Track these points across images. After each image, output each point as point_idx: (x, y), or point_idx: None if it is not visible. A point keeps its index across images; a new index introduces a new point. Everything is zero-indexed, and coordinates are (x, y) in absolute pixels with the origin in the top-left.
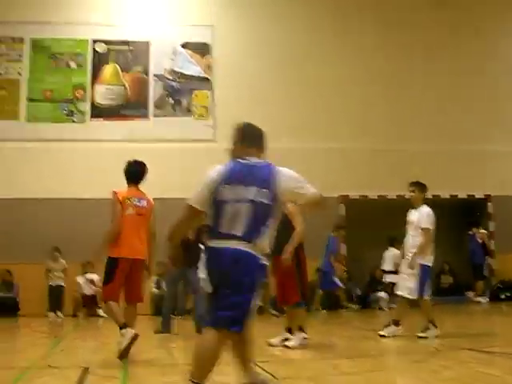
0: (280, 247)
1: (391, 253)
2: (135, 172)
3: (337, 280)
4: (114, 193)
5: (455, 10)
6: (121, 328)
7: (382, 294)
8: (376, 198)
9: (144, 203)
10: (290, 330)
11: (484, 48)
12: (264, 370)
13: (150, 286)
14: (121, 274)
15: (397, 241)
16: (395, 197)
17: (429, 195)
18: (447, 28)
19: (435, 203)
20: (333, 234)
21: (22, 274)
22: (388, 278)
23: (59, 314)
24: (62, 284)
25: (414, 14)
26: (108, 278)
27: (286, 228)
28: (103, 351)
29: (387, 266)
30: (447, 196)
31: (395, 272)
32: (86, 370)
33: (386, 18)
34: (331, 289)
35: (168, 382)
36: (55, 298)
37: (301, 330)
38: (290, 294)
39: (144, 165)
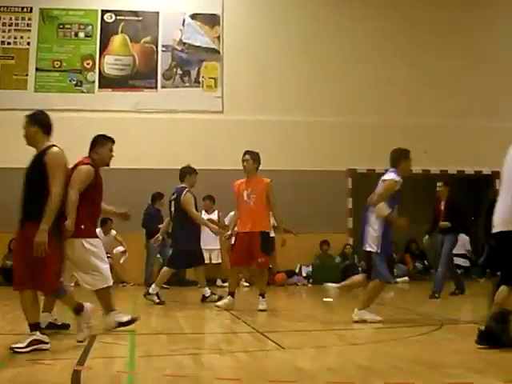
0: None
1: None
2: None
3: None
4: None
5: None
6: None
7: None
8: (383, 171)
9: None
10: None
11: (493, 23)
12: (270, 339)
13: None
14: None
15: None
16: None
17: (436, 170)
18: (462, 6)
19: (441, 178)
20: None
21: None
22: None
23: None
24: None
25: None
26: None
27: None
28: None
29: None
30: (454, 172)
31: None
32: (93, 337)
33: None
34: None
35: (175, 350)
36: None
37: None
38: None
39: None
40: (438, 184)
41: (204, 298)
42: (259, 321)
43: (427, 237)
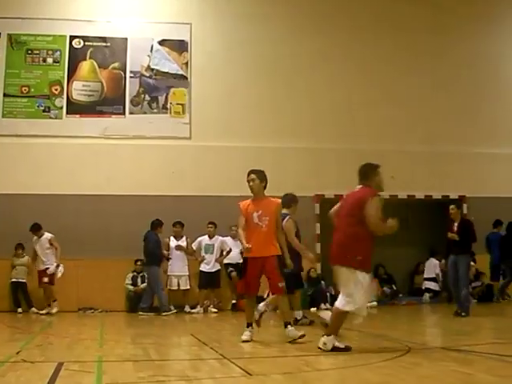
0: None
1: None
2: None
3: None
4: None
5: (437, 11)
6: None
7: None
8: None
9: None
10: None
11: (464, 53)
12: (237, 365)
13: (125, 284)
14: None
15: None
16: None
17: (404, 195)
18: (430, 30)
19: (409, 203)
20: None
21: None
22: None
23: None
24: (23, 280)
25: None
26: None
27: None
28: (78, 346)
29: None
30: (422, 196)
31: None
32: (60, 365)
33: (371, 17)
34: None
35: (142, 377)
36: (17, 294)
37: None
38: None
39: None
40: (451, 207)
41: (296, 321)
42: (226, 347)
43: (443, 261)
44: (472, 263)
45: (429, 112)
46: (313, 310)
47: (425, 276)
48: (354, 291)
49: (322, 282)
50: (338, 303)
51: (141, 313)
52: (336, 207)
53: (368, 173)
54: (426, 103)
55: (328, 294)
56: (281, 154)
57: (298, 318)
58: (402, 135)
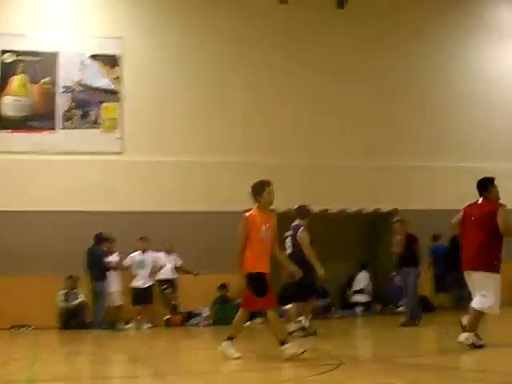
0: None
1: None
2: None
3: None
4: None
5: (374, 21)
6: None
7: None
8: (281, 212)
9: None
10: None
11: (399, 67)
12: (169, 382)
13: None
14: None
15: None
16: None
17: (337, 208)
18: (366, 42)
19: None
20: None
21: None
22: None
23: None
24: None
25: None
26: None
27: None
28: (10, 366)
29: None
30: (354, 210)
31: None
32: None
33: (303, 26)
34: None
35: None
36: None
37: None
38: None
39: None
40: (395, 220)
41: (303, 329)
42: (158, 364)
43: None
44: None
45: (362, 125)
46: (246, 324)
47: (354, 289)
48: (490, 292)
49: None
50: (475, 304)
51: (95, 330)
52: (459, 217)
53: (487, 185)
54: (359, 116)
55: None
56: (212, 168)
57: (291, 329)
58: (333, 148)
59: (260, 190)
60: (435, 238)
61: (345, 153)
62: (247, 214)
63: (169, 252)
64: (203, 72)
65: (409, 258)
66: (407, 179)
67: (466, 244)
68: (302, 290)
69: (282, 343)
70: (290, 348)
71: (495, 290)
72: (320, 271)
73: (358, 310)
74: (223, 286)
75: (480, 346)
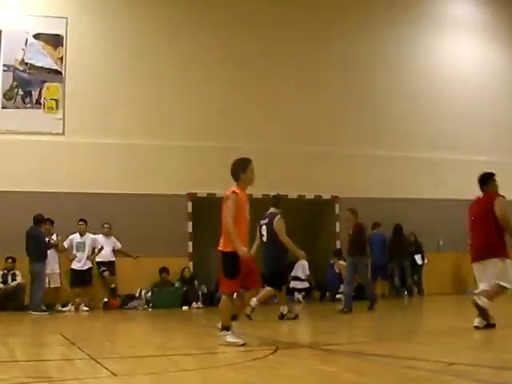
0: None
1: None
2: None
3: None
4: None
5: (309, 14)
6: None
7: None
8: (224, 196)
9: None
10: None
11: (333, 56)
12: (103, 366)
13: None
14: None
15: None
16: None
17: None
18: (302, 31)
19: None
20: None
21: None
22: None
23: None
24: None
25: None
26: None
27: None
28: None
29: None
30: (295, 196)
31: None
32: None
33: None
34: None
35: (5, 379)
36: None
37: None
38: None
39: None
40: (347, 211)
41: (282, 316)
42: (94, 347)
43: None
44: (342, 262)
45: (301, 113)
46: (185, 308)
47: (292, 275)
48: (507, 273)
49: (195, 282)
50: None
51: (33, 312)
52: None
53: (486, 180)
54: (299, 104)
55: (200, 292)
56: (156, 152)
57: (284, 312)
58: (276, 135)
59: (243, 167)
60: (374, 226)
61: (285, 139)
62: (231, 191)
63: (108, 235)
64: (151, 54)
65: (357, 247)
66: (347, 167)
67: (474, 238)
68: (278, 277)
69: (224, 329)
70: (229, 336)
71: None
72: (301, 254)
73: (298, 296)
74: (163, 269)
75: (492, 325)
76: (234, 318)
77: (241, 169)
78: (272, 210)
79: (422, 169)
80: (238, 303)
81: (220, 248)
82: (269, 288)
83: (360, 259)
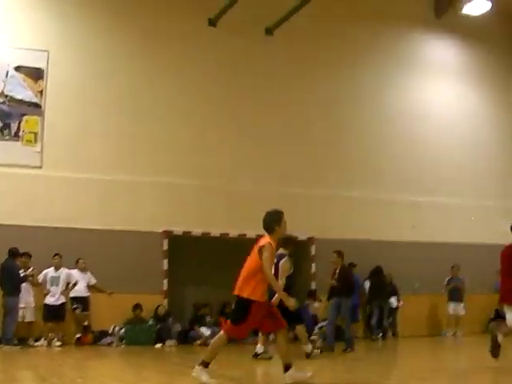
0: None
1: None
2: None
3: None
4: None
5: (295, 54)
6: None
7: (204, 330)
8: (200, 235)
9: None
10: None
11: (319, 96)
12: None
13: None
14: None
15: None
16: (218, 235)
17: (253, 235)
18: (287, 72)
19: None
20: None
21: None
22: None
23: None
24: None
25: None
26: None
27: None
28: None
29: None
30: (253, 236)
31: None
32: None
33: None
34: None
35: None
36: None
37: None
38: None
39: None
40: (333, 254)
41: (256, 355)
42: (65, 382)
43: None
44: (317, 304)
45: (281, 153)
46: (158, 345)
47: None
48: None
49: (170, 319)
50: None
51: (5, 346)
52: None
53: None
54: (279, 144)
55: (174, 330)
56: (133, 188)
57: (259, 352)
58: (255, 174)
59: (278, 220)
60: (349, 267)
61: (262, 179)
62: (268, 242)
63: (83, 270)
64: (128, 89)
65: (342, 288)
66: (324, 209)
67: (502, 281)
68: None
69: (204, 364)
70: (205, 375)
71: None
72: (290, 302)
73: (271, 337)
74: (137, 306)
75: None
76: (288, 368)
77: (275, 221)
78: (281, 250)
79: (399, 211)
80: (278, 349)
81: (236, 292)
82: (298, 326)
83: (345, 301)
